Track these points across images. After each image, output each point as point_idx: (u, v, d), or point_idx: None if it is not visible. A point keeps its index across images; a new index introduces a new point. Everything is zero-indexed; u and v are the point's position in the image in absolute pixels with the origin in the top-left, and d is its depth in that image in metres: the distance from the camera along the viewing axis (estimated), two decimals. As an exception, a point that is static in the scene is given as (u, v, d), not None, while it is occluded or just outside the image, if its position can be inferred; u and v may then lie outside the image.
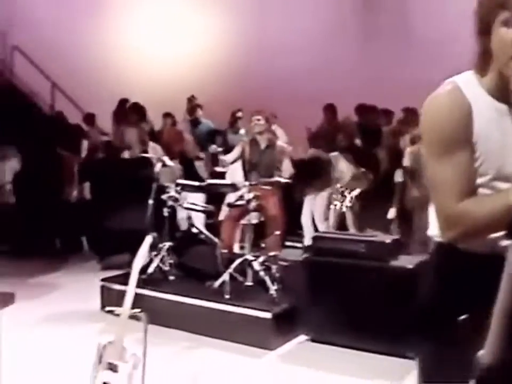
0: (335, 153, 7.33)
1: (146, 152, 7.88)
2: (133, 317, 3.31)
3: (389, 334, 4.55)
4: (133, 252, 7.57)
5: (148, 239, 3.51)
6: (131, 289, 3.32)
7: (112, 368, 3.31)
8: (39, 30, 13.21)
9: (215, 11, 13.61)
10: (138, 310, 3.30)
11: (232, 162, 6.44)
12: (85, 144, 9.99)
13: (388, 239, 4.91)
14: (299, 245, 7.80)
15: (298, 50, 11.90)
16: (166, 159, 6.37)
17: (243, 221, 5.96)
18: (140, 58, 13.94)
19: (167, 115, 9.97)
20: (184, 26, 13.90)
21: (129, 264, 6.63)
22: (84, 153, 9.78)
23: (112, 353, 3.34)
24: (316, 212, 7.50)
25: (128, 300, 3.32)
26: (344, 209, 6.78)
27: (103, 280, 6.04)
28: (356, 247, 4.81)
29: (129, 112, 9.60)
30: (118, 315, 3.31)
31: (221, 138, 9.38)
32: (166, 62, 13.98)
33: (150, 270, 5.81)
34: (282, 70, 11.70)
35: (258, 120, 6.30)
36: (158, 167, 6.24)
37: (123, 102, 10.68)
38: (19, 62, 12.76)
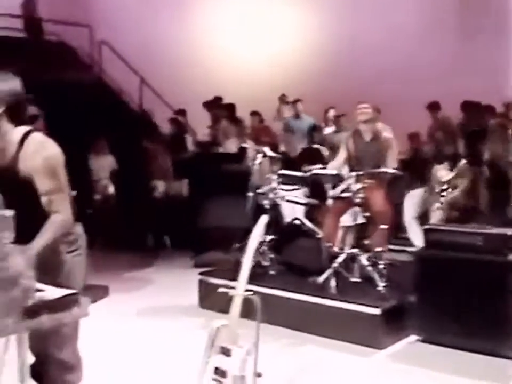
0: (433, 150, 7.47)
1: (242, 147, 8.19)
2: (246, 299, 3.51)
3: (504, 334, 4.57)
4: (225, 249, 7.90)
5: (264, 218, 3.69)
6: (245, 270, 3.53)
7: (225, 352, 3.51)
8: (126, 25, 13.86)
9: (305, 8, 13.86)
10: (251, 292, 3.49)
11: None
12: (189, 140, 10.43)
13: (508, 231, 4.91)
14: (398, 248, 7.86)
15: (390, 48, 12.01)
16: (267, 149, 6.59)
17: (347, 222, 6.08)
18: (227, 56, 14.37)
19: (254, 113, 10.32)
20: (274, 24, 14.21)
21: (221, 262, 6.96)
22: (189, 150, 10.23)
23: (225, 337, 3.54)
24: (411, 208, 7.64)
25: (242, 281, 3.53)
26: (444, 206, 6.85)
27: (201, 274, 6.33)
28: (473, 240, 4.84)
29: (222, 109, 9.98)
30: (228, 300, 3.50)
31: (320, 135, 9.61)
32: (253, 60, 14.35)
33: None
34: (375, 68, 11.84)
35: (365, 108, 6.32)
36: (258, 158, 6.46)
37: (217, 99, 11.09)
38: (107, 57, 13.38)
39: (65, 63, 11.76)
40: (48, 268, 2.88)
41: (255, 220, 6.66)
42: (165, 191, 9.12)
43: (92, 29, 13.56)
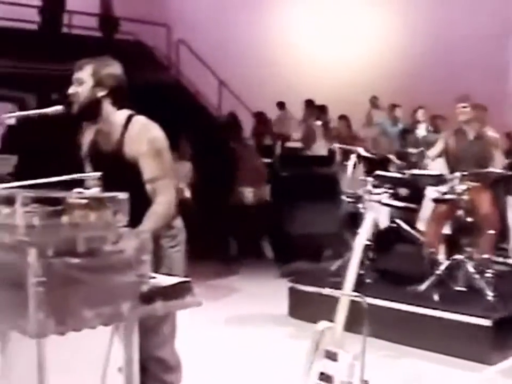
0: None
1: (331, 150, 8.20)
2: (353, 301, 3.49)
3: None
4: (314, 258, 7.87)
5: (371, 215, 3.68)
6: (353, 270, 3.52)
7: (331, 356, 3.50)
8: (204, 25, 14.09)
9: (389, 6, 13.80)
10: (358, 294, 3.47)
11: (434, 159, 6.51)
12: (277, 146, 10.55)
13: None
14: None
15: (475, 46, 11.88)
16: (361, 149, 6.57)
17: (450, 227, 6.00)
18: (308, 57, 14.44)
19: (342, 117, 10.32)
20: (355, 24, 14.23)
21: (311, 271, 6.94)
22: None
23: (330, 340, 3.54)
24: None
25: (349, 281, 3.52)
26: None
27: (290, 281, 6.33)
28: None
29: (313, 111, 10.06)
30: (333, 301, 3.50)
31: (413, 136, 9.55)
32: (335, 62, 14.38)
33: (334, 266, 6.05)
34: (461, 67, 11.71)
35: (464, 107, 6.28)
36: (352, 158, 6.45)
37: (309, 102, 11.17)
38: (184, 58, 13.63)
39: (141, 63, 12.01)
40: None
41: (347, 225, 6.72)
42: (251, 196, 9.17)
43: (169, 28, 13.84)
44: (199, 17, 14.33)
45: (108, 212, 2.30)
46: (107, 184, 2.94)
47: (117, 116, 3.18)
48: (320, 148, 8.89)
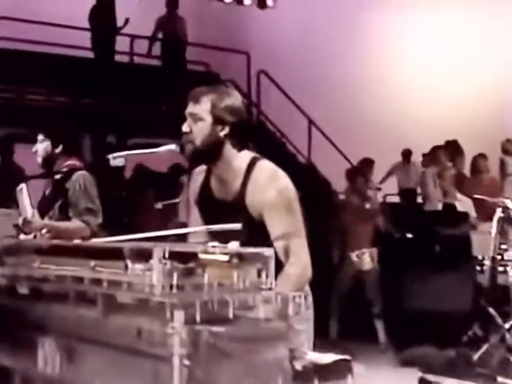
0: None
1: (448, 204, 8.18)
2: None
3: None
4: (441, 342, 7.77)
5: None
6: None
7: None
8: (285, 54, 14.33)
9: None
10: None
11: None
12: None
13: None
14: None
15: None
16: (509, 202, 6.53)
17: None
18: (419, 88, 14.52)
19: (481, 156, 10.27)
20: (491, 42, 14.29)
21: (444, 359, 6.87)
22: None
23: None
24: None
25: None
26: None
27: (421, 370, 6.27)
28: None
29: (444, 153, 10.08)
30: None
31: None
32: (456, 91, 14.40)
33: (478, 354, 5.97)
34: None
35: None
36: (497, 213, 6.42)
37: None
38: (264, 95, 13.80)
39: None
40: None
41: (490, 300, 6.65)
42: (353, 263, 9.15)
43: (249, 57, 14.04)
44: (282, 45, 14.57)
45: (252, 271, 2.36)
46: (220, 240, 2.97)
47: (237, 158, 3.26)
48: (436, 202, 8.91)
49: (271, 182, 3.18)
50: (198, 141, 3.19)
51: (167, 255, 2.17)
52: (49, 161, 5.28)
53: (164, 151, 3.07)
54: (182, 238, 3.17)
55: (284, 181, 3.23)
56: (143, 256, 2.23)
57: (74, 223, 5.11)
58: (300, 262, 3.15)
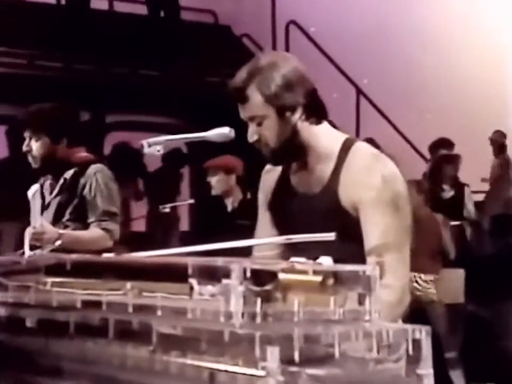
0: None
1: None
2: None
3: None
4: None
5: None
6: None
7: None
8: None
9: None
10: None
11: None
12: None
13: None
14: None
15: None
16: None
17: None
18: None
19: None
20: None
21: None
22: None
23: None
24: None
25: None
26: None
27: None
28: None
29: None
30: None
31: None
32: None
33: None
34: None
35: None
36: None
37: None
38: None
39: (225, 60, 12.28)
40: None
41: None
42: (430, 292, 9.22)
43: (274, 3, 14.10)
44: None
45: (353, 296, 2.45)
46: (299, 254, 3.01)
47: (322, 139, 3.38)
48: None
49: (375, 166, 3.28)
50: (272, 144, 3.32)
51: (248, 274, 2.26)
52: (50, 159, 5.48)
53: (214, 136, 3.15)
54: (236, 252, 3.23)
55: (391, 167, 3.32)
56: (212, 275, 2.31)
57: (94, 231, 5.30)
58: (397, 285, 3.22)
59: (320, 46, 13.85)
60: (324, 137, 3.40)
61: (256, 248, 3.45)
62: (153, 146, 3.21)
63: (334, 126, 3.53)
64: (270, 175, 3.59)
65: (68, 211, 5.32)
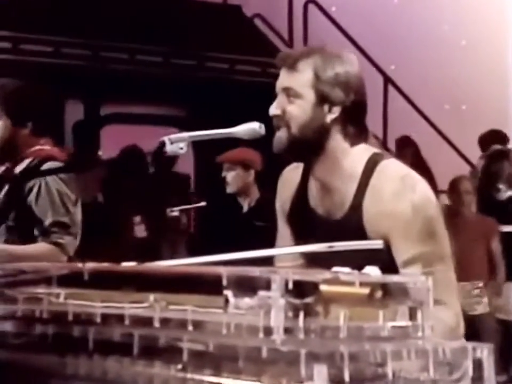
0: None
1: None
2: None
3: None
4: None
5: None
6: None
7: None
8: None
9: None
10: None
11: None
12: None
13: None
14: None
15: None
16: None
17: None
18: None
19: None
20: None
21: None
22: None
23: None
24: None
25: None
26: None
27: None
28: None
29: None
30: None
31: None
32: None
33: None
34: None
35: None
36: None
37: None
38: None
39: (237, 45, 12.34)
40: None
41: None
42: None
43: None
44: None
45: (404, 311, 2.51)
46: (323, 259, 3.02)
47: (349, 156, 3.39)
48: None
49: (403, 192, 3.28)
50: (294, 127, 3.32)
51: (290, 286, 2.31)
52: (8, 145, 5.28)
53: (242, 132, 3.18)
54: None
55: (421, 190, 3.32)
56: (249, 287, 2.37)
57: (39, 246, 5.06)
58: (450, 311, 3.28)
59: (342, 27, 13.82)
60: (351, 154, 3.40)
61: (278, 258, 3.43)
62: (176, 144, 3.25)
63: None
64: (291, 179, 3.61)
65: (11, 216, 5.13)
